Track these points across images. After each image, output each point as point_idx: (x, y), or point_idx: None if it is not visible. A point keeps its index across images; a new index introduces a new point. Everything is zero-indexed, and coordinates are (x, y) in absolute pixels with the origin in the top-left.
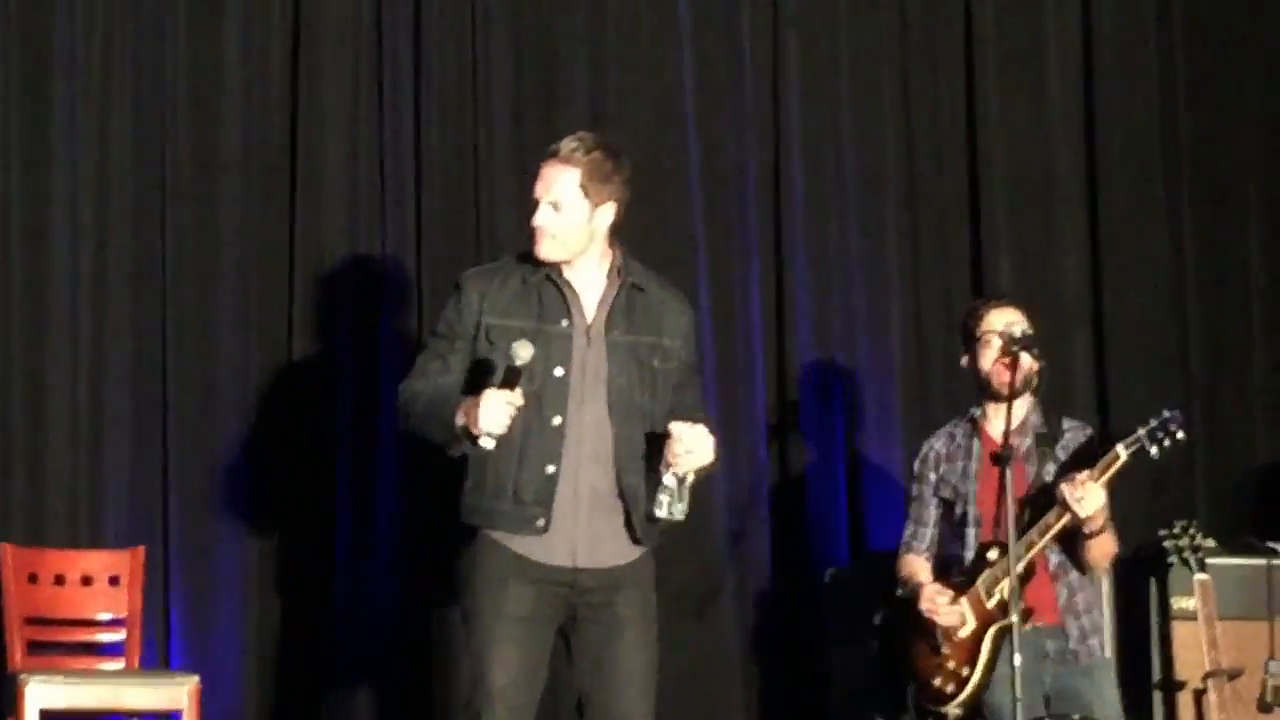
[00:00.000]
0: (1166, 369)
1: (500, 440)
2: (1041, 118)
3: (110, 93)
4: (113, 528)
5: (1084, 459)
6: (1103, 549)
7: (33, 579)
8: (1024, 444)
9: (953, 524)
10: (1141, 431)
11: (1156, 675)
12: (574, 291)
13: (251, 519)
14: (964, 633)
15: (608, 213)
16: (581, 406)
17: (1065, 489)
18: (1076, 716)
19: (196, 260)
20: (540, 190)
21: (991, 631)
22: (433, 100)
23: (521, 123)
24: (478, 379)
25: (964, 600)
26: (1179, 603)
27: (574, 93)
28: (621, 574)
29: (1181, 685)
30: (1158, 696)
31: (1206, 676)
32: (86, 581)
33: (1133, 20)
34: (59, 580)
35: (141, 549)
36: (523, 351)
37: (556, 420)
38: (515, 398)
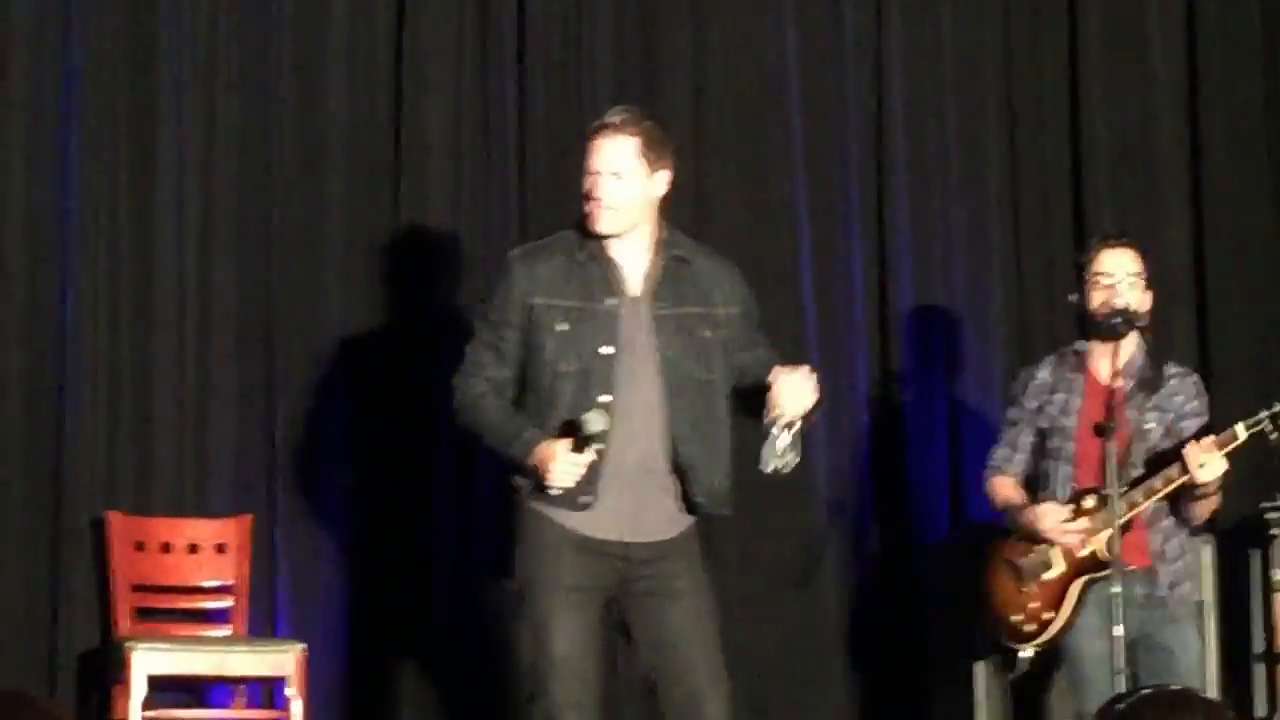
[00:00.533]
0: (1270, 346)
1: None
2: (1144, 89)
3: (216, 66)
4: (219, 497)
5: (1189, 410)
6: (1209, 506)
7: (139, 547)
8: (1127, 386)
9: (1044, 455)
10: (1264, 414)
11: (1259, 647)
12: (619, 267)
13: (355, 489)
14: (1051, 575)
15: (662, 181)
16: (632, 383)
17: (1190, 452)
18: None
19: (302, 232)
20: (598, 162)
21: (1081, 581)
22: (537, 73)
23: (623, 97)
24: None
25: (1056, 544)
26: None
27: (676, 68)
28: (668, 546)
29: None
30: (1259, 668)
31: None
32: (193, 549)
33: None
34: (165, 548)
35: (249, 517)
36: (595, 425)
37: (604, 399)
38: (586, 458)
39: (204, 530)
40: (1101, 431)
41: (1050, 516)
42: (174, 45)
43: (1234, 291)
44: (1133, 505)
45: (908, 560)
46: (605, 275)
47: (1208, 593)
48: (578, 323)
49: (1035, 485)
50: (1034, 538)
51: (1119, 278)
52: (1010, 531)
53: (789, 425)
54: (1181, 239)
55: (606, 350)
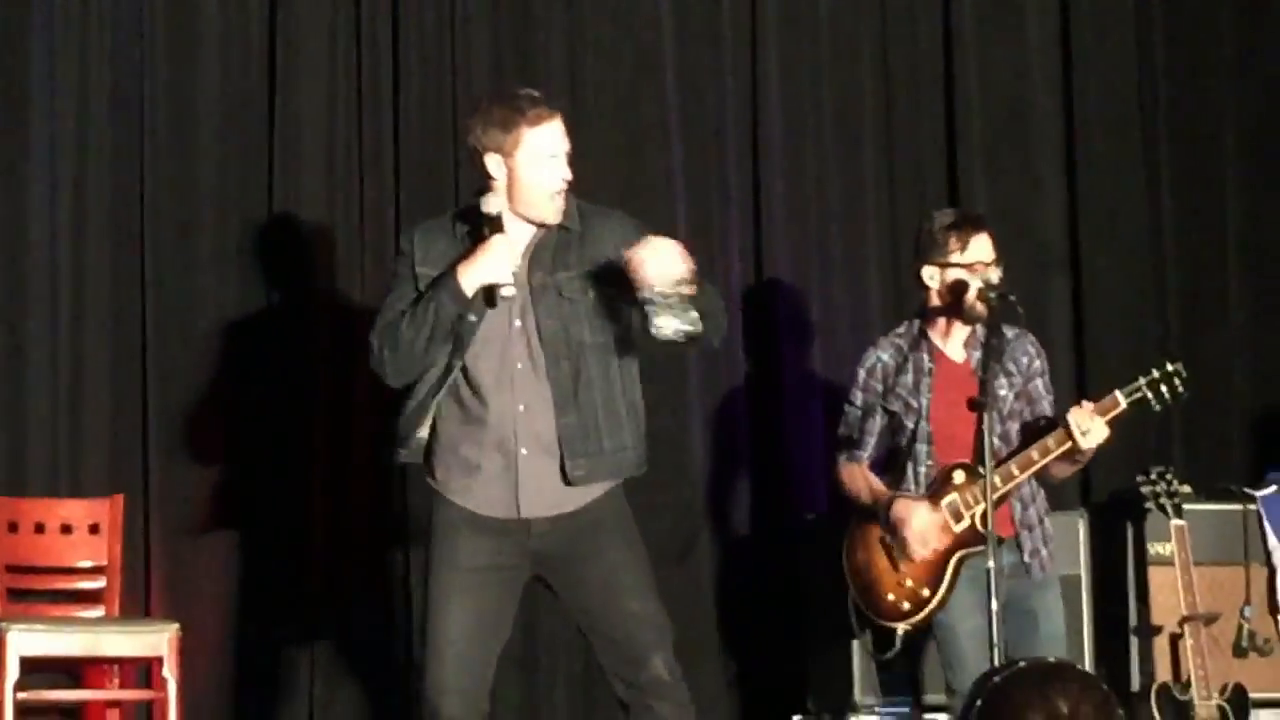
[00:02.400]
0: (1144, 315)
1: (445, 402)
2: (1019, 64)
3: (88, 43)
4: (92, 477)
5: (1035, 369)
6: (1071, 471)
7: (13, 528)
8: (972, 358)
9: (897, 437)
10: (1142, 381)
11: (1133, 620)
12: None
13: (230, 468)
14: (926, 552)
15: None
16: (514, 357)
17: (1076, 417)
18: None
19: (175, 210)
20: (565, 143)
21: (958, 556)
22: (411, 50)
23: (500, 74)
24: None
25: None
26: (1155, 548)
27: (551, 45)
28: (570, 519)
29: (1158, 630)
30: (1134, 641)
31: (1183, 621)
32: (66, 530)
33: None
34: (39, 529)
35: (120, 497)
36: (489, 206)
37: (488, 378)
38: (501, 237)
39: (77, 510)
40: (977, 407)
41: (915, 519)
42: (46, 22)
43: (1107, 261)
44: (1009, 477)
45: (788, 537)
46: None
47: (1081, 566)
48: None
49: (886, 466)
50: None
51: (983, 259)
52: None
53: (665, 296)
54: (1056, 210)
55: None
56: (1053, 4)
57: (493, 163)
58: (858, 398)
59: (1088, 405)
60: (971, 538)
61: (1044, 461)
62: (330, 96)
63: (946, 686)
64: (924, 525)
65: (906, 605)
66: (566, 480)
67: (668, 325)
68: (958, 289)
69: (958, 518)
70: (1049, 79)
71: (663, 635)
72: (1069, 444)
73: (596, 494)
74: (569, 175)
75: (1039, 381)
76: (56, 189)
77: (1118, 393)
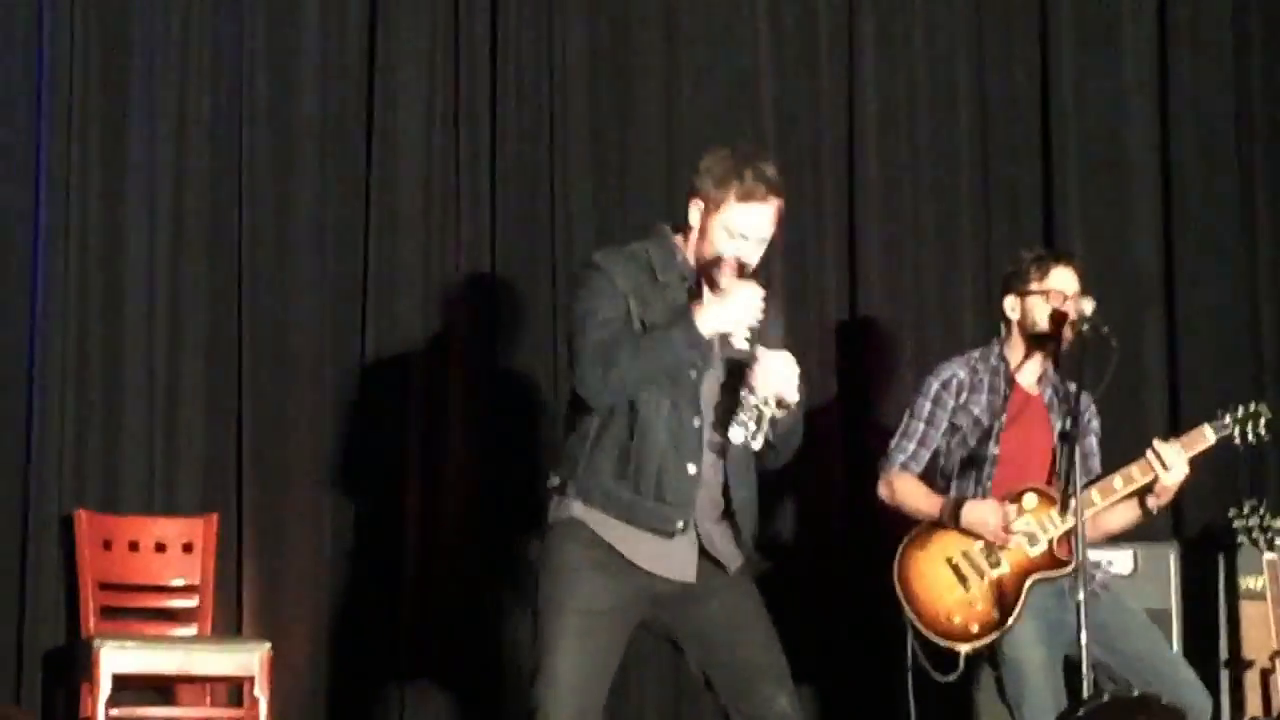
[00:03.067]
0: (1239, 349)
1: (641, 431)
2: (1117, 96)
3: (188, 63)
4: (186, 495)
5: (1094, 427)
6: (1130, 524)
7: (107, 545)
8: (1045, 394)
9: (961, 456)
10: (1229, 418)
11: (1224, 654)
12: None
13: (323, 489)
14: (996, 574)
15: None
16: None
17: (1161, 449)
18: (1105, 695)
19: (272, 232)
20: (768, 229)
21: (1031, 580)
22: (508, 72)
23: (596, 94)
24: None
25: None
26: (1247, 582)
27: (649, 68)
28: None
29: (1249, 664)
30: (1225, 675)
31: (1274, 656)
32: (160, 548)
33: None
34: (133, 546)
35: (215, 516)
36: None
37: (695, 422)
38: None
39: (171, 529)
40: (1066, 438)
41: (996, 516)
42: (147, 41)
43: (1202, 295)
44: (1089, 504)
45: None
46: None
47: (1172, 599)
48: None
49: (943, 486)
50: (968, 533)
51: (1070, 293)
52: (916, 528)
53: (754, 407)
54: (1152, 243)
55: (692, 373)
56: (1150, 35)
57: (694, 208)
58: (925, 409)
59: (1174, 441)
60: (1046, 562)
61: (1126, 491)
62: (428, 117)
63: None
64: (1000, 519)
65: (975, 628)
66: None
67: (736, 434)
68: (1055, 319)
69: (1033, 541)
70: (1145, 110)
71: (785, 672)
72: (1151, 475)
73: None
74: (750, 260)
75: (1093, 439)
76: (155, 209)
77: (1206, 427)
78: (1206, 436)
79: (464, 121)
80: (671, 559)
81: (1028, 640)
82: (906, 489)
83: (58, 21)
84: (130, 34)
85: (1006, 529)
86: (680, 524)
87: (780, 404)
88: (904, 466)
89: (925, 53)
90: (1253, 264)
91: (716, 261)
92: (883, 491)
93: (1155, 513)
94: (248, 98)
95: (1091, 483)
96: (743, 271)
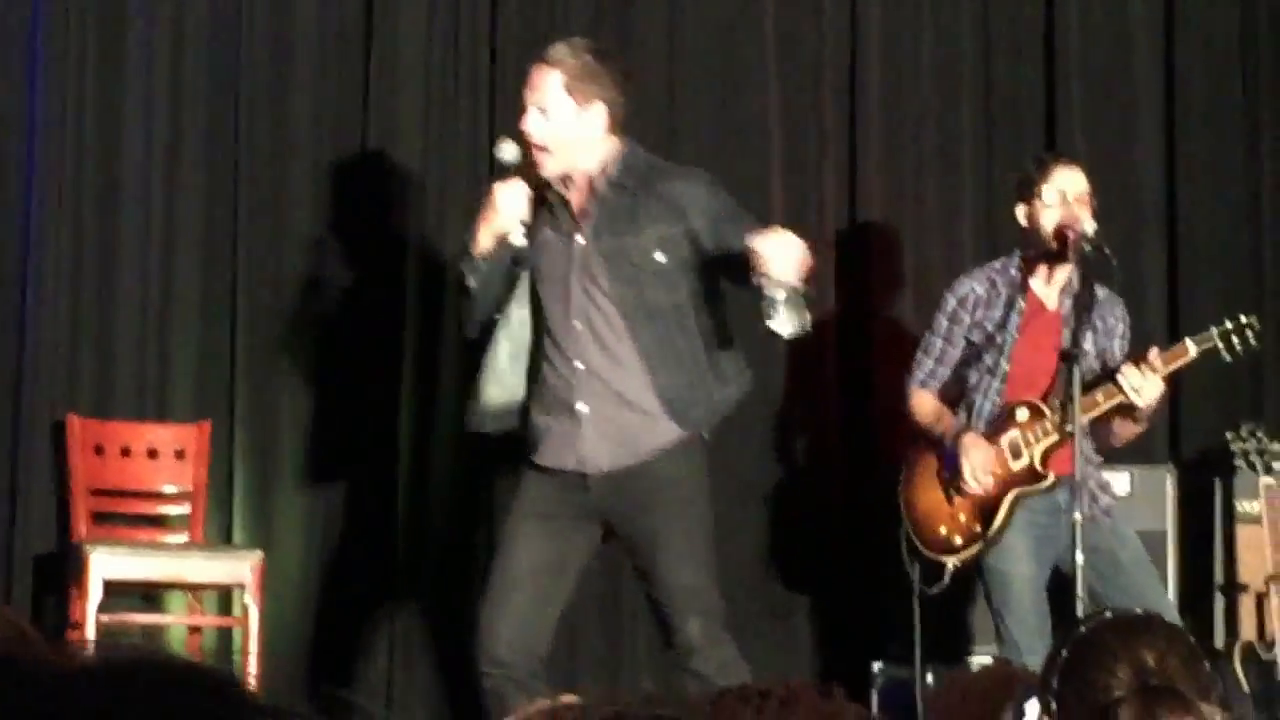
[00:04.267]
0: (1239, 271)
1: (516, 355)
2: (1120, 13)
3: None
4: (179, 402)
5: (1119, 332)
6: (1131, 433)
7: (99, 451)
8: (1064, 305)
9: (973, 370)
10: (1214, 330)
11: (1219, 578)
12: (565, 204)
13: (317, 398)
14: (978, 487)
15: (598, 114)
16: (573, 316)
17: (1125, 375)
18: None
19: (269, 143)
20: (527, 94)
21: (1013, 494)
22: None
23: (599, 15)
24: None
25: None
26: (1243, 506)
27: (652, 5)
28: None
29: (1244, 588)
30: (1219, 599)
31: (1269, 580)
32: (152, 454)
33: None
34: (125, 452)
35: (208, 423)
36: (503, 153)
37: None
38: (511, 184)
39: (163, 435)
40: (1068, 358)
41: (975, 454)
42: None
43: (1204, 217)
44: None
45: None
46: (554, 216)
47: (1168, 522)
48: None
49: (951, 398)
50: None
51: (1073, 195)
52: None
53: (790, 294)
54: (1154, 163)
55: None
56: None
57: None
58: (943, 325)
59: (1153, 355)
60: (1028, 476)
61: (1107, 404)
62: (428, 36)
63: (996, 634)
64: (981, 460)
65: (958, 540)
66: (649, 436)
67: (790, 324)
68: (1058, 234)
69: (1016, 454)
70: (1151, 31)
71: (697, 600)
72: (1120, 397)
73: (658, 449)
74: (524, 123)
75: (1117, 344)
76: (151, 117)
77: (1188, 340)
78: (1188, 349)
79: (463, 39)
80: (552, 449)
81: (1015, 554)
82: (922, 408)
83: None
84: None
85: (977, 475)
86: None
87: (803, 280)
88: (922, 384)
89: None
90: (1256, 184)
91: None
92: (906, 407)
93: (1146, 424)
94: (245, 7)
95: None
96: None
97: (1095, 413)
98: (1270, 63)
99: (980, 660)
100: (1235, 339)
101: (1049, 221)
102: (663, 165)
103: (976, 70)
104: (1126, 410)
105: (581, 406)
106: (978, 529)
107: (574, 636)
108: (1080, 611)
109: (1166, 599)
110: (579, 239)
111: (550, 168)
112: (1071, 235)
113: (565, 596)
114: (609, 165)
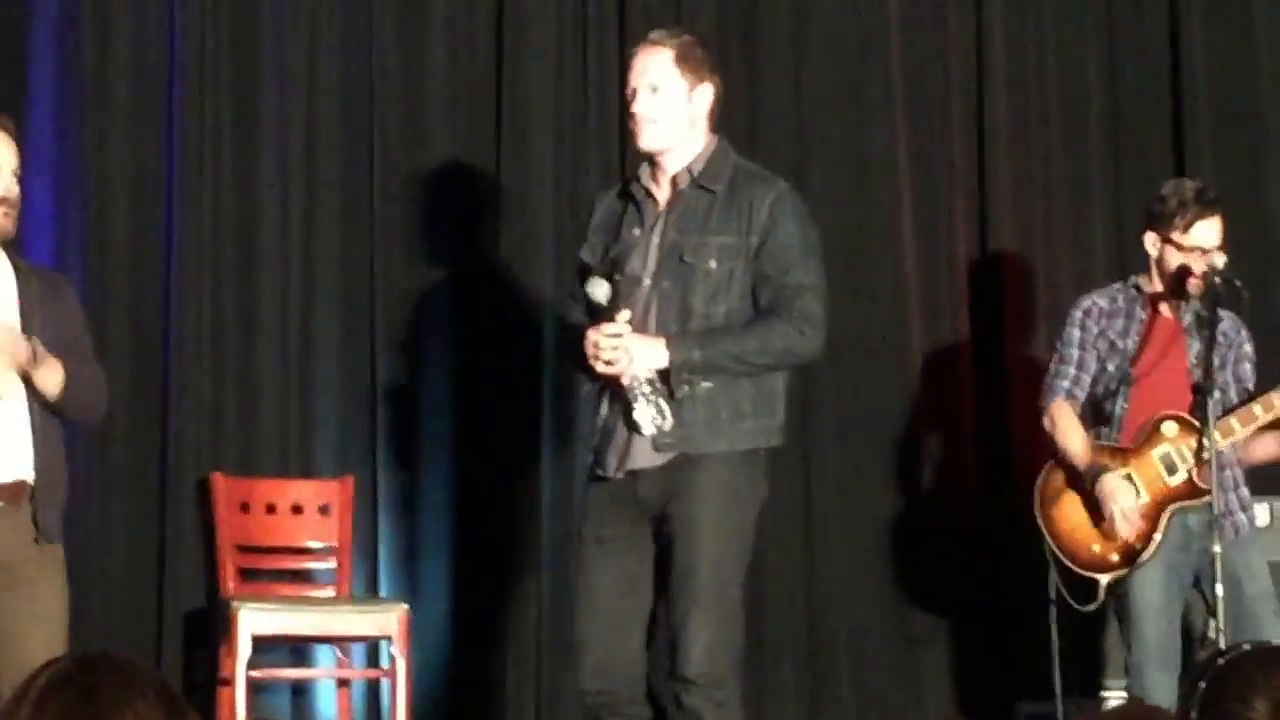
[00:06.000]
0: None
1: None
2: (1247, 50)
3: (318, 26)
4: (322, 458)
5: (1246, 351)
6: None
7: (244, 508)
8: (1185, 319)
9: (1101, 381)
10: None
11: None
12: (651, 199)
13: (457, 450)
14: (1128, 533)
15: (705, 96)
16: (639, 318)
17: None
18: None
19: (405, 196)
20: (635, 78)
21: (1171, 509)
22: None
23: (725, 52)
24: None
25: (1136, 468)
26: None
27: (777, 26)
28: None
29: None
30: None
31: None
32: (297, 510)
33: None
34: (270, 509)
35: (350, 479)
36: (597, 292)
37: (624, 315)
38: (612, 328)
39: (308, 491)
40: (1202, 390)
41: (1123, 498)
42: (276, 3)
43: None
44: (1229, 432)
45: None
46: (636, 209)
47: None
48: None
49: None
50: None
51: (1210, 247)
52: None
53: (640, 387)
54: None
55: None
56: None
57: None
58: (1075, 337)
59: None
60: (1185, 491)
61: (1267, 418)
62: (557, 81)
63: (1126, 665)
64: (1130, 507)
65: (1115, 557)
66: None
67: (646, 420)
68: (1180, 274)
69: (1171, 470)
70: (1277, 64)
71: (701, 615)
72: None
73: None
74: (635, 106)
75: (1247, 365)
76: (287, 171)
77: None
78: None
79: (591, 86)
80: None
81: (1147, 582)
82: (1067, 426)
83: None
84: (260, 4)
85: (1126, 519)
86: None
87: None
88: (1069, 394)
89: (1053, 6)
90: None
91: None
92: (1046, 423)
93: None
94: (378, 59)
95: (1235, 408)
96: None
97: (1254, 426)
98: None
99: (1114, 694)
100: None
101: (1176, 260)
102: (749, 169)
103: (1105, 101)
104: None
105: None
106: (1136, 546)
107: None
108: (1222, 644)
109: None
110: (654, 235)
111: (649, 139)
112: (1198, 271)
113: (642, 608)
114: (698, 161)
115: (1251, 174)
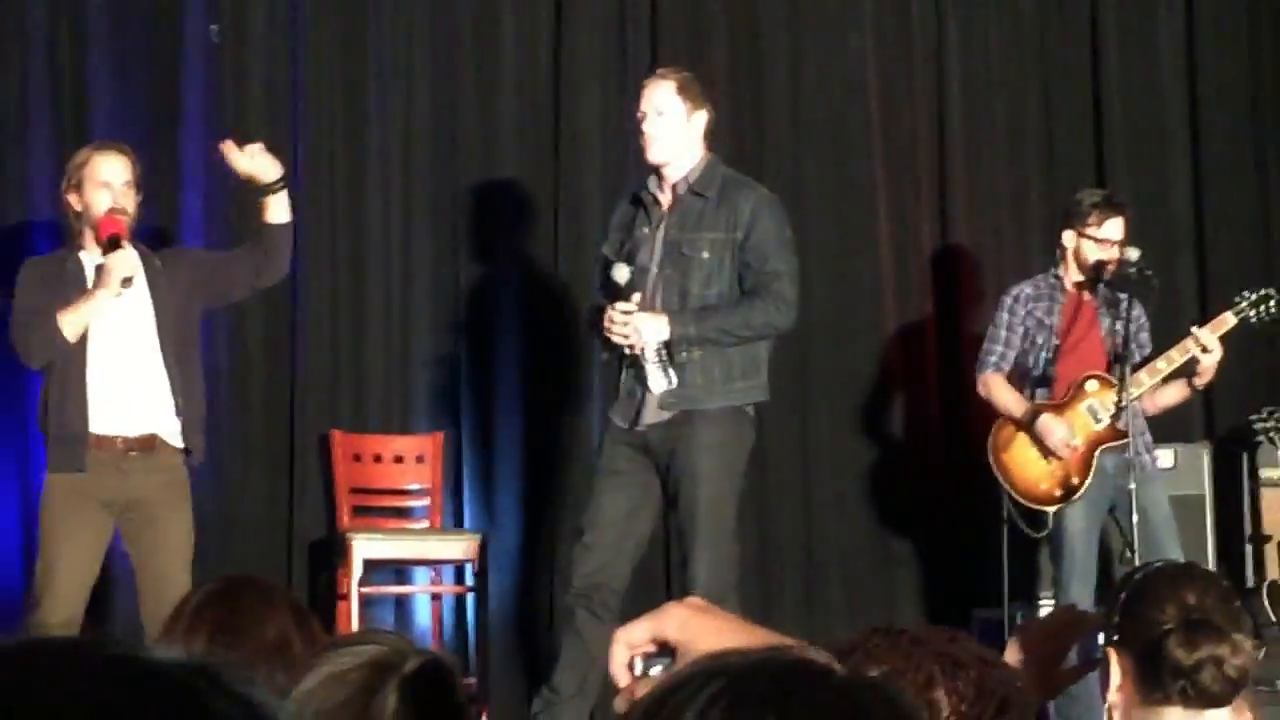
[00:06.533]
0: (1259, 284)
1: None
2: (1154, 79)
3: (413, 70)
4: (418, 417)
5: (1143, 323)
6: (1179, 401)
7: (357, 458)
8: (1096, 299)
9: (1031, 353)
10: (1243, 303)
11: (1248, 531)
12: (656, 203)
13: (525, 410)
14: (1069, 453)
15: (701, 118)
16: (647, 299)
17: (1197, 334)
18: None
19: (481, 204)
20: (644, 104)
21: (1100, 450)
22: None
23: (736, 86)
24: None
25: (1066, 420)
26: (1266, 473)
27: (778, 73)
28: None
29: (1267, 539)
30: (1248, 548)
31: None
32: (398, 460)
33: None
34: (377, 459)
35: (441, 434)
36: (619, 274)
37: (636, 297)
38: (624, 307)
39: (407, 445)
40: (1120, 361)
41: (1057, 429)
42: (378, 53)
43: (1226, 240)
44: (1139, 384)
45: (972, 465)
46: (644, 212)
47: (1206, 488)
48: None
49: (1017, 380)
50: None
51: (1116, 240)
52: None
53: (649, 355)
54: (1184, 197)
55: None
56: (1180, 31)
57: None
58: (1003, 320)
59: (1206, 326)
60: (1109, 435)
61: (1168, 370)
62: (604, 114)
63: (1054, 579)
64: (1066, 435)
65: (1058, 493)
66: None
67: (658, 381)
68: (1098, 265)
69: (1096, 418)
70: (1178, 92)
71: (708, 552)
72: (1188, 355)
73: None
74: (645, 127)
75: (1145, 334)
76: (388, 185)
77: (1228, 313)
78: (1228, 320)
79: (629, 106)
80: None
81: (1074, 513)
82: (998, 389)
83: (308, 41)
84: (367, 49)
85: (1066, 444)
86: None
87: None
88: (995, 367)
89: (997, 49)
90: (1265, 211)
91: None
92: (980, 388)
93: (1200, 389)
94: (459, 98)
95: (1140, 365)
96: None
97: (1159, 378)
98: (1275, 116)
99: (1046, 604)
100: (1261, 307)
101: (1090, 256)
102: (738, 179)
103: (1039, 126)
104: (1186, 375)
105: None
106: (1076, 481)
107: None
108: (1136, 562)
109: (1179, 551)
110: (659, 232)
111: (656, 154)
112: (1112, 264)
113: (637, 539)
114: (694, 172)
115: (1158, 182)
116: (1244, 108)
